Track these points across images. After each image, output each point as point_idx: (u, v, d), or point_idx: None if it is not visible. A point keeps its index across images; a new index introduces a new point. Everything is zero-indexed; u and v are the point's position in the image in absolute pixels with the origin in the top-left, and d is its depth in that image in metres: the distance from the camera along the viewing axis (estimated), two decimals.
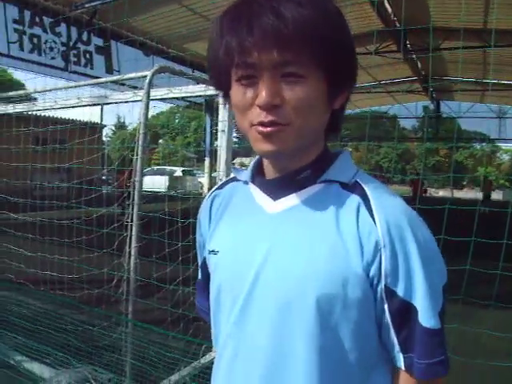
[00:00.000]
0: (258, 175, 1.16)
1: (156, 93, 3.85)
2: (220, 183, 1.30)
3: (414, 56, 18.94)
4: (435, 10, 14.20)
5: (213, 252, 1.17)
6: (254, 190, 1.15)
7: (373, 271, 0.98)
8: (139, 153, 3.36)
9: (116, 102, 4.30)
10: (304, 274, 0.99)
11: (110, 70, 16.35)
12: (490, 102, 27.09)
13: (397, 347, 1.01)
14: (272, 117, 0.96)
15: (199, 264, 1.34)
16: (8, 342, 4.16)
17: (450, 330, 3.43)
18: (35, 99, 5.78)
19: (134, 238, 3.37)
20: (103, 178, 18.05)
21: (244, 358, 1.06)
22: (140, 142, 3.32)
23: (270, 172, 1.12)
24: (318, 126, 1.05)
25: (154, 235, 3.75)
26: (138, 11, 12.31)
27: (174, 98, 4.03)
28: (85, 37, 15.45)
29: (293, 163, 1.07)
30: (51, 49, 14.61)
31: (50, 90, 4.58)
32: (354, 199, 1.03)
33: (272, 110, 0.96)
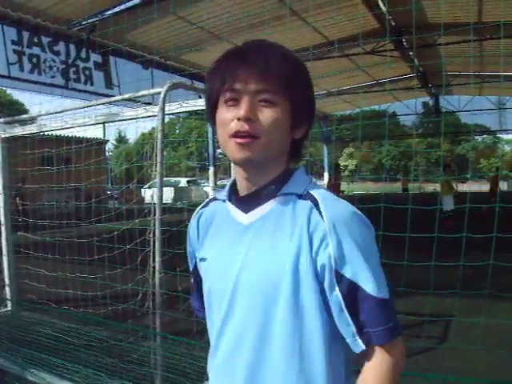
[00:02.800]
0: (233, 194, 1.42)
1: (168, 107, 3.91)
2: (204, 203, 1.57)
3: (411, 53, 18.98)
4: (429, 6, 14.27)
5: (203, 259, 1.45)
6: (230, 207, 1.41)
7: (322, 259, 1.21)
8: (158, 168, 3.41)
9: (129, 119, 4.35)
10: (271, 269, 1.24)
11: (109, 86, 16.42)
12: (488, 94, 27.07)
13: (352, 326, 1.20)
14: (247, 127, 1.23)
15: (191, 270, 1.59)
16: (38, 363, 4.20)
17: (476, 323, 3.46)
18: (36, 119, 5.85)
19: (157, 252, 3.42)
20: (108, 193, 18.12)
21: (238, 344, 1.29)
22: (158, 159, 3.38)
23: (242, 189, 1.38)
24: (280, 146, 1.32)
25: (176, 249, 3.79)
26: (135, 25, 12.36)
27: (186, 111, 4.09)
28: (83, 54, 15.53)
29: (259, 179, 1.33)
30: (51, 67, 14.68)
31: (62, 112, 4.62)
32: (306, 205, 1.28)
33: (247, 122, 1.23)
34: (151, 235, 3.47)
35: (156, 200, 3.46)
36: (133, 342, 3.94)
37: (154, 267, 3.48)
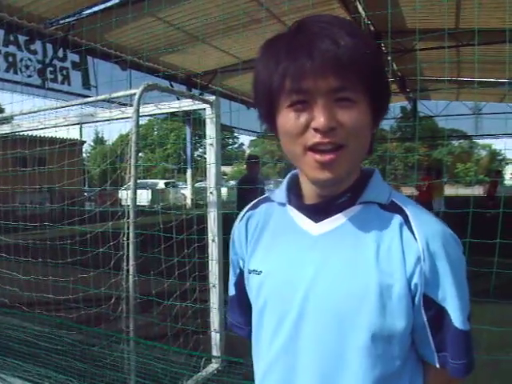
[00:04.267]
0: (294, 197, 1.21)
1: (144, 109, 3.87)
2: (253, 203, 1.34)
3: (389, 58, 19.13)
4: (408, 12, 14.40)
5: (255, 272, 1.22)
6: (293, 212, 1.19)
7: (414, 281, 1.06)
8: (132, 171, 3.37)
9: (105, 120, 4.31)
10: (354, 290, 1.06)
11: (87, 86, 16.29)
12: (465, 99, 27.45)
13: (432, 347, 1.11)
14: (329, 138, 1.00)
15: (233, 281, 1.39)
16: (6, 368, 4.12)
17: None
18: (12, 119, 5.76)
19: (131, 256, 3.37)
20: (85, 194, 17.96)
21: (299, 371, 1.12)
22: (132, 161, 3.34)
23: (310, 196, 1.17)
24: (366, 149, 1.10)
25: (151, 252, 3.76)
26: (114, 25, 12.30)
27: (161, 113, 4.05)
28: (60, 53, 15.38)
29: (337, 187, 1.12)
30: (27, 67, 14.54)
31: (36, 112, 4.55)
32: (395, 219, 1.10)
33: (329, 133, 0.99)
34: (125, 238, 3.42)
35: (130, 203, 3.42)
36: (106, 346, 3.88)
37: (127, 271, 3.43)
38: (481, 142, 66.97)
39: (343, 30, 0.99)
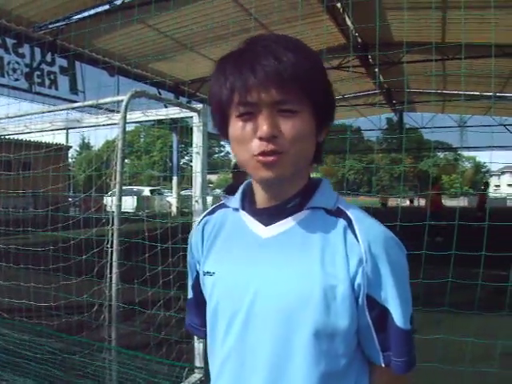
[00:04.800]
0: (247, 203, 1.29)
1: (131, 116, 3.85)
2: (210, 209, 1.42)
3: (376, 70, 19.29)
4: (395, 25, 14.55)
5: (208, 273, 1.28)
6: (246, 217, 1.27)
7: (357, 283, 1.13)
8: (117, 178, 3.34)
9: (91, 126, 4.28)
10: (299, 290, 1.13)
11: (74, 91, 16.22)
12: (450, 112, 27.75)
13: (377, 346, 1.18)
14: (272, 146, 1.09)
15: (191, 284, 1.45)
16: None
17: (435, 339, 3.49)
18: None
19: (114, 263, 3.34)
20: (70, 200, 17.81)
21: (249, 368, 1.18)
22: (118, 168, 3.31)
23: (261, 200, 1.24)
24: (308, 156, 1.19)
25: (135, 261, 3.73)
26: (103, 31, 12.27)
27: (148, 120, 4.03)
28: (49, 58, 15.32)
29: (284, 192, 1.21)
30: (14, 70, 14.45)
31: (23, 116, 4.51)
32: (340, 223, 1.18)
33: (271, 141, 1.09)
34: (109, 245, 3.39)
35: (115, 209, 3.39)
36: (87, 355, 3.83)
37: (111, 278, 3.40)
38: (465, 154, 67.70)
39: (286, 48, 1.10)
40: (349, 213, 1.19)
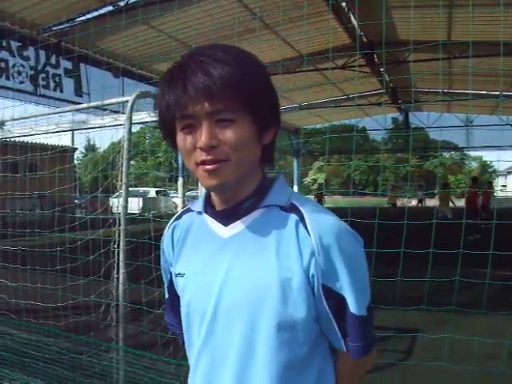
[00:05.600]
0: (209, 206, 1.35)
1: (136, 117, 3.86)
2: (177, 214, 1.50)
3: (381, 69, 19.25)
4: (401, 24, 14.52)
5: (179, 275, 1.36)
6: (208, 219, 1.34)
7: (311, 274, 1.19)
8: (123, 179, 3.35)
9: (97, 128, 4.29)
10: (259, 284, 1.20)
11: (79, 93, 16.25)
12: (456, 111, 27.64)
13: (338, 334, 1.24)
14: (212, 156, 1.15)
15: (166, 286, 1.53)
16: None
17: (441, 338, 3.48)
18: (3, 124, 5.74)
19: (121, 264, 3.35)
20: (76, 201, 17.86)
21: (219, 362, 1.25)
22: (124, 169, 3.32)
23: (218, 203, 1.31)
24: (252, 160, 1.24)
25: (141, 260, 3.73)
26: (107, 33, 12.31)
27: (154, 121, 4.04)
28: (53, 60, 15.34)
29: (236, 194, 1.27)
30: (19, 73, 14.47)
31: (28, 118, 4.53)
32: (292, 218, 1.23)
33: (211, 150, 1.15)
34: (115, 246, 3.39)
35: (121, 210, 3.40)
36: (94, 355, 3.84)
37: (118, 279, 3.41)
38: (472, 153, 67.48)
39: (218, 60, 1.14)
40: (301, 208, 1.24)
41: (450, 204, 18.78)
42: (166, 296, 1.55)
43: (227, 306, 1.23)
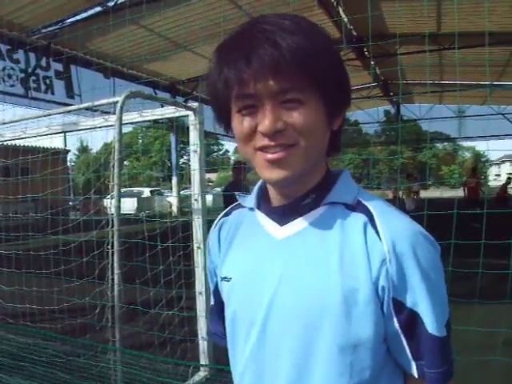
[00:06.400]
0: (263, 201, 1.19)
1: (127, 117, 3.85)
2: (226, 210, 1.33)
3: (372, 62, 19.28)
4: (389, 16, 14.54)
5: (225, 279, 1.20)
6: (261, 217, 1.17)
7: (381, 285, 1.01)
8: (115, 179, 3.34)
9: (88, 129, 4.28)
10: (317, 296, 1.02)
11: (71, 95, 16.20)
12: (448, 102, 27.71)
13: (409, 355, 1.05)
14: (277, 141, 0.98)
15: (211, 290, 1.37)
16: None
17: None
18: None
19: (115, 264, 3.35)
20: (70, 203, 17.82)
21: (269, 379, 1.09)
22: (115, 170, 3.31)
23: (275, 199, 1.14)
24: (321, 147, 1.07)
25: (136, 261, 3.73)
26: (97, 34, 12.25)
27: (145, 121, 4.04)
28: (43, 62, 15.29)
29: (298, 189, 1.09)
30: (9, 76, 14.42)
31: (19, 121, 4.52)
32: (360, 219, 1.06)
33: (275, 135, 0.98)
34: (109, 247, 3.39)
35: (114, 211, 3.39)
36: (91, 357, 3.84)
37: (112, 280, 3.40)
38: (465, 144, 67.62)
39: (287, 30, 0.96)
40: (370, 207, 1.07)
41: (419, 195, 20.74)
42: (212, 302, 1.38)
43: (279, 319, 1.06)
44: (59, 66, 15.74)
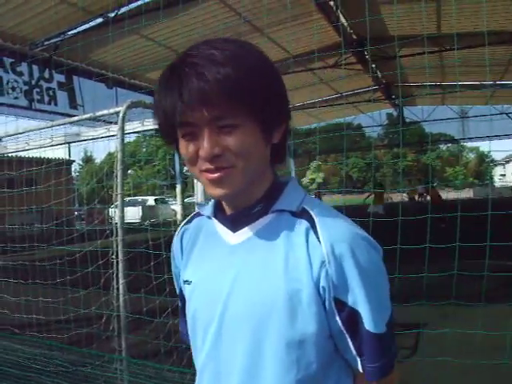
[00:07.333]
0: (218, 210, 1.27)
1: (129, 126, 3.87)
2: (187, 218, 1.43)
3: (373, 65, 19.29)
4: (389, 19, 14.54)
5: (186, 282, 1.29)
6: (217, 224, 1.26)
7: (321, 286, 1.09)
8: (118, 189, 3.36)
9: (90, 139, 4.31)
10: (265, 297, 1.11)
11: (74, 106, 16.26)
12: (450, 103, 27.66)
13: (353, 352, 1.14)
14: (216, 164, 1.07)
15: (178, 293, 1.45)
16: None
17: (443, 333, 3.48)
18: None
19: (120, 274, 3.36)
20: (75, 213, 17.87)
21: (224, 377, 1.17)
22: (119, 179, 3.33)
23: (227, 208, 1.23)
24: (261, 163, 1.15)
25: (140, 269, 3.75)
26: (98, 45, 12.32)
27: (147, 130, 4.06)
28: (47, 74, 15.36)
29: (245, 199, 1.18)
30: (13, 88, 14.48)
31: (23, 133, 4.55)
32: (303, 225, 1.14)
33: (214, 159, 1.07)
34: (114, 256, 3.41)
35: (118, 220, 3.41)
36: (98, 366, 3.85)
37: (117, 289, 3.42)
38: (469, 145, 67.53)
39: (215, 62, 1.04)
40: (313, 213, 1.15)
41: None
42: (180, 304, 1.46)
43: (232, 319, 1.15)
44: (62, 78, 15.81)
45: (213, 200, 1.30)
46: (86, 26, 13.03)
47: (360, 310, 1.09)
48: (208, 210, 1.31)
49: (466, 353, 3.46)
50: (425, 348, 4.99)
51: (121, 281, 3.38)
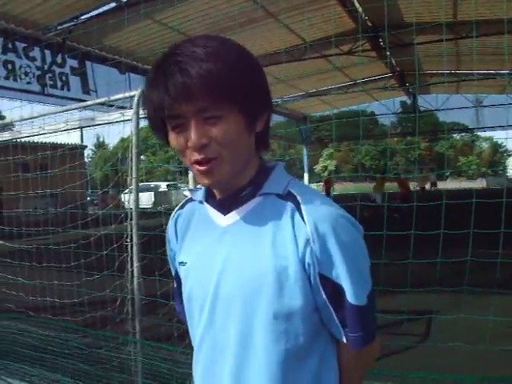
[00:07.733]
0: (209, 195, 1.37)
1: (143, 111, 3.87)
2: (180, 204, 1.52)
3: (388, 53, 19.13)
4: (405, 6, 14.39)
5: (182, 263, 1.39)
6: (208, 208, 1.36)
7: (307, 263, 1.19)
8: (133, 173, 3.37)
9: (105, 124, 4.31)
10: (254, 274, 1.21)
11: (86, 91, 16.28)
12: (465, 92, 27.38)
13: (338, 324, 1.24)
14: (204, 154, 1.17)
15: (173, 274, 1.55)
16: (15, 373, 4.13)
17: (455, 319, 3.49)
18: (13, 126, 5.80)
19: (135, 257, 3.38)
20: (88, 199, 17.99)
21: (219, 350, 1.27)
22: (134, 163, 3.34)
23: (217, 193, 1.33)
24: (246, 151, 1.25)
25: (155, 253, 3.76)
26: (111, 29, 12.30)
27: None
28: (59, 59, 15.37)
29: (234, 184, 1.27)
30: (26, 74, 14.51)
31: (37, 117, 4.56)
32: (288, 207, 1.24)
33: (202, 149, 1.17)
34: (128, 240, 3.43)
35: (132, 205, 3.42)
36: (112, 349, 3.89)
37: (132, 272, 3.44)
38: (482, 134, 66.99)
39: (197, 58, 1.13)
40: (298, 196, 1.24)
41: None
42: (175, 285, 1.55)
43: (225, 295, 1.25)
44: (74, 63, 15.82)
45: (203, 186, 1.38)
46: (100, 10, 13.01)
47: (343, 284, 1.19)
48: (200, 195, 1.40)
49: (478, 339, 3.46)
50: (437, 334, 5.00)
51: (135, 264, 3.40)
